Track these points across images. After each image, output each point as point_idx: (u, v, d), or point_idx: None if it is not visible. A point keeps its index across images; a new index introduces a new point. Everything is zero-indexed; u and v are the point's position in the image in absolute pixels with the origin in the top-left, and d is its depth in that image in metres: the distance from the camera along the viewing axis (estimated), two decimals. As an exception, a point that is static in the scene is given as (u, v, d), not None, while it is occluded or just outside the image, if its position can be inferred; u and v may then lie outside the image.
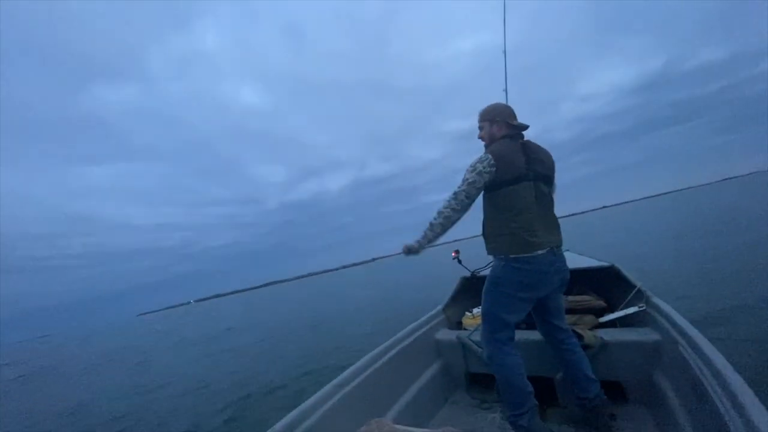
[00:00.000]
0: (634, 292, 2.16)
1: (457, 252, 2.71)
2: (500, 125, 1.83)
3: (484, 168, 1.69)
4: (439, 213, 1.73)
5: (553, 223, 1.78)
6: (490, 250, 1.81)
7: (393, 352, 2.15)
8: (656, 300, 2.01)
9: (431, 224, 1.74)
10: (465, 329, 2.55)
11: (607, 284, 2.48)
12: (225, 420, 5.07)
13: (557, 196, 1.89)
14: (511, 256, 1.68)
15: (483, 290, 1.81)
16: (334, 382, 1.74)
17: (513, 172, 1.69)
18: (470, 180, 1.69)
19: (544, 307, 1.82)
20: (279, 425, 1.40)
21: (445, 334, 2.54)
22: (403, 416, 1.92)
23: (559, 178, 1.92)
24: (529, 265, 1.65)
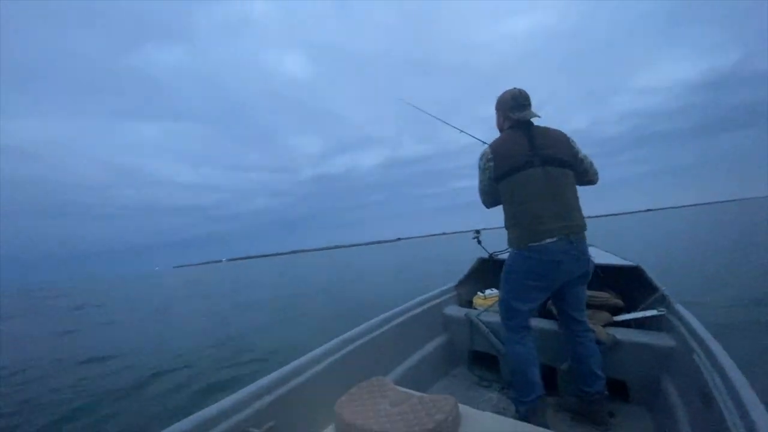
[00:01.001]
0: (656, 295, 2.10)
1: (478, 232, 2.68)
2: (503, 117, 1.83)
3: (484, 164, 1.74)
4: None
5: (568, 208, 1.66)
6: (507, 242, 1.79)
7: (401, 318, 2.20)
8: (678, 306, 1.94)
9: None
10: (475, 308, 2.56)
11: (628, 284, 2.42)
12: (249, 360, 5.64)
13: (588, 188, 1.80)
14: (521, 245, 1.65)
15: (500, 279, 1.81)
16: (343, 336, 1.81)
17: (514, 161, 1.65)
18: (480, 179, 1.79)
19: (562, 297, 1.78)
20: (288, 368, 1.49)
21: (455, 310, 2.56)
22: (403, 380, 1.97)
23: (602, 175, 1.81)
24: (539, 254, 1.59)
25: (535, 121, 1.79)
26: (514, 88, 1.83)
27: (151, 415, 4.13)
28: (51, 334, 11.27)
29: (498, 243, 2.71)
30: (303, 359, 1.56)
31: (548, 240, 1.58)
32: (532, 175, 1.63)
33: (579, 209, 1.70)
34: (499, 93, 1.86)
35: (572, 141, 1.75)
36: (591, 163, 1.79)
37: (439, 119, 2.85)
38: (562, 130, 1.78)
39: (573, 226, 1.63)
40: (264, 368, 5.12)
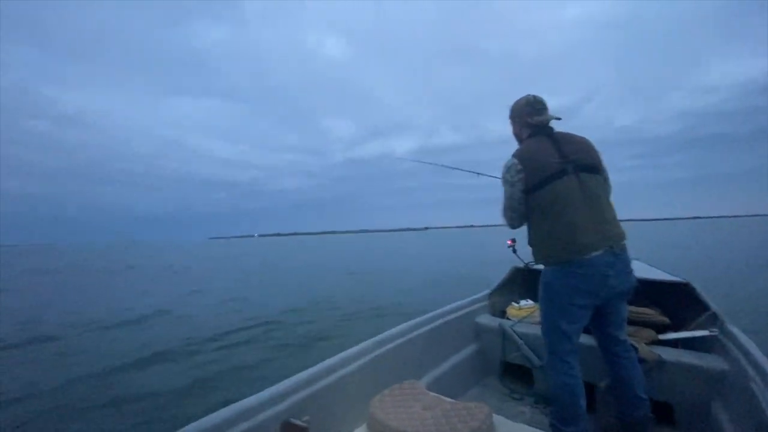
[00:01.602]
0: (707, 314, 1.97)
1: (513, 241, 2.62)
2: (521, 124, 1.76)
3: (512, 177, 1.62)
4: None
5: (607, 217, 1.55)
6: (539, 258, 1.67)
7: (433, 324, 2.20)
8: (732, 327, 1.82)
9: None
10: (508, 318, 2.53)
11: (675, 301, 2.29)
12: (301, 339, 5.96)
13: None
14: (562, 260, 1.54)
15: (539, 297, 1.72)
16: (375, 339, 1.83)
17: (546, 170, 1.55)
18: (507, 194, 1.67)
19: (602, 315, 1.67)
20: (323, 364, 1.53)
21: (487, 320, 2.54)
22: (433, 386, 1.97)
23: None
24: (584, 269, 1.48)
25: (555, 125, 1.71)
26: (528, 95, 1.76)
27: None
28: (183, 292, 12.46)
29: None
30: (337, 357, 1.60)
31: (594, 253, 1.47)
32: (567, 184, 1.53)
33: (616, 218, 1.60)
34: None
35: (595, 146, 1.68)
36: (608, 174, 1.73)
37: (446, 166, 2.94)
38: (587, 134, 1.68)
39: (615, 237, 1.53)
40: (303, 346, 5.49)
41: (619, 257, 1.52)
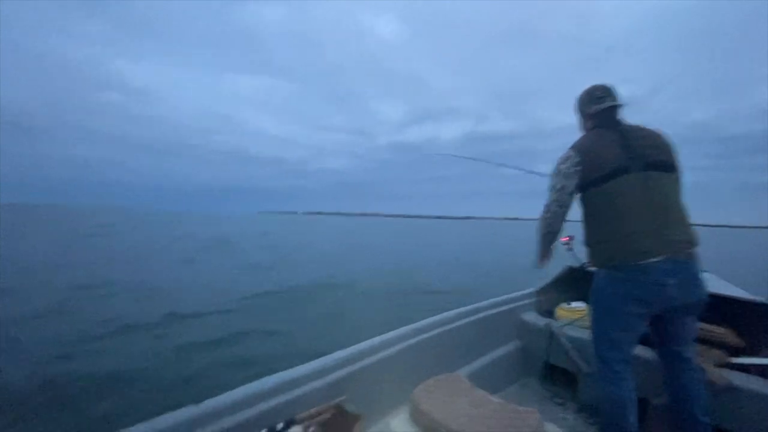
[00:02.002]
0: None
1: (570, 238, 2.45)
2: (583, 116, 1.66)
3: (568, 168, 1.50)
4: (538, 228, 1.66)
5: (673, 221, 1.40)
6: (593, 260, 1.57)
7: (475, 316, 2.15)
8: None
9: (538, 237, 1.69)
10: (556, 319, 2.41)
11: (751, 323, 2.06)
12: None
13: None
14: (616, 265, 1.43)
15: (590, 300, 1.62)
16: (415, 325, 1.83)
17: (607, 166, 1.43)
18: (558, 186, 1.53)
19: (664, 328, 1.53)
20: (362, 345, 1.55)
21: (533, 318, 2.43)
22: (470, 379, 1.94)
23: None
24: (637, 275, 1.38)
25: (621, 113, 1.56)
26: (594, 84, 1.62)
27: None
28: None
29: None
30: (376, 340, 1.61)
31: (651, 260, 1.34)
32: (630, 183, 1.40)
33: (689, 221, 1.44)
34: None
35: (671, 141, 1.51)
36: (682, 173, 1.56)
37: (483, 160, 2.73)
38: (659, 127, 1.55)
39: (681, 243, 1.37)
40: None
41: (684, 266, 1.37)
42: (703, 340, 1.91)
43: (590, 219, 1.54)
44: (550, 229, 1.64)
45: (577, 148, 1.52)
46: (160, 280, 8.61)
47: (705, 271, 1.78)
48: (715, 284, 2.33)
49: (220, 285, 8.58)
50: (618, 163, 1.42)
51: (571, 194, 1.54)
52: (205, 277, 9.43)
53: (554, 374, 2.30)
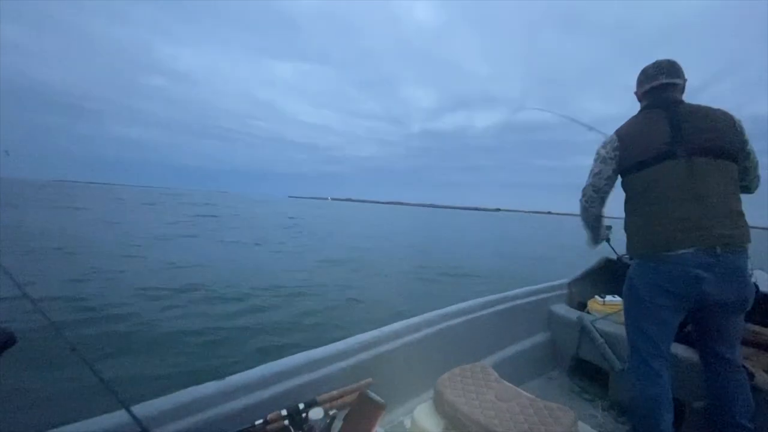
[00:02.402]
0: None
1: (609, 228, 2.33)
2: (637, 96, 1.56)
3: (607, 153, 1.48)
4: (581, 214, 1.68)
5: (719, 213, 1.30)
6: (629, 249, 1.52)
7: (503, 306, 2.11)
8: None
9: (582, 221, 1.71)
10: (588, 313, 2.31)
11: None
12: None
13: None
14: (647, 254, 1.39)
15: (623, 292, 1.57)
16: (442, 311, 1.82)
17: (648, 151, 1.37)
18: (595, 171, 1.53)
19: (707, 327, 1.45)
20: (387, 329, 1.55)
21: (564, 310, 2.35)
22: (495, 369, 1.92)
23: None
24: (668, 266, 1.32)
25: (683, 97, 1.44)
26: (655, 60, 1.50)
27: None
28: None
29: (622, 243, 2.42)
30: (401, 324, 1.61)
31: (681, 250, 1.28)
32: (671, 169, 1.33)
33: (738, 214, 1.34)
34: (662, 54, 1.52)
35: (740, 125, 1.37)
36: (757, 163, 1.43)
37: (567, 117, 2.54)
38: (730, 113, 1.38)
39: (723, 236, 1.27)
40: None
41: (724, 259, 1.27)
42: (754, 343, 1.79)
43: (629, 206, 1.49)
44: (587, 213, 1.63)
45: (620, 131, 1.48)
46: (181, 260, 8.93)
47: (758, 269, 1.63)
48: (764, 280, 2.16)
49: (254, 268, 8.86)
50: (661, 148, 1.36)
51: (608, 179, 1.51)
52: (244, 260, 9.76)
53: (582, 369, 2.23)
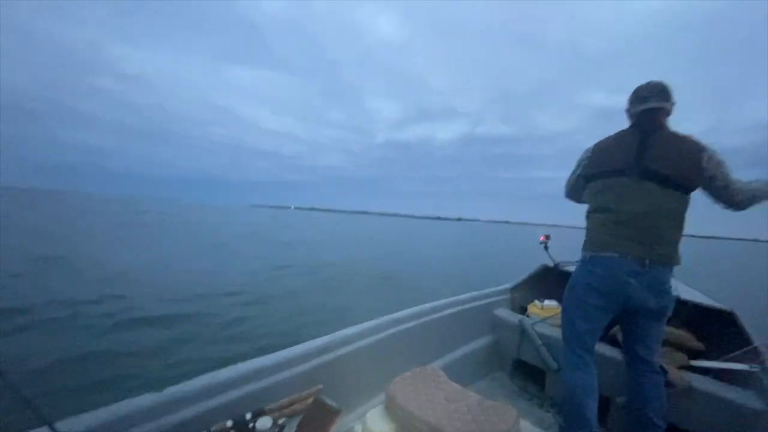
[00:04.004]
0: (747, 348, 1.86)
1: (546, 237, 2.51)
2: (627, 114, 1.64)
3: (581, 159, 1.68)
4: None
5: (653, 237, 1.42)
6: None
7: (450, 310, 2.18)
8: None
9: None
10: (528, 316, 2.47)
11: (713, 329, 2.15)
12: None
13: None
14: (585, 255, 1.58)
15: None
16: (392, 316, 1.85)
17: (607, 165, 1.54)
18: (573, 171, 1.75)
19: (631, 330, 1.61)
20: (337, 335, 1.55)
21: (506, 314, 2.48)
22: (444, 371, 1.98)
23: None
24: (598, 267, 1.49)
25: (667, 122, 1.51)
26: (648, 81, 1.56)
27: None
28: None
29: (565, 252, 2.57)
30: (350, 330, 1.61)
31: (609, 253, 1.46)
32: (622, 185, 1.47)
33: (669, 243, 1.43)
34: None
35: (708, 157, 1.37)
36: (729, 183, 1.40)
37: None
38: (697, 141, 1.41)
39: (653, 253, 1.42)
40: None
41: (650, 271, 1.43)
42: (668, 343, 1.99)
43: (586, 212, 1.66)
44: (569, 196, 1.87)
45: (597, 143, 1.63)
46: (119, 264, 8.37)
47: (680, 283, 1.84)
48: (684, 292, 2.43)
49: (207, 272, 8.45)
50: (618, 165, 1.49)
51: (576, 179, 1.72)
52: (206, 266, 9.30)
53: (523, 370, 2.36)
